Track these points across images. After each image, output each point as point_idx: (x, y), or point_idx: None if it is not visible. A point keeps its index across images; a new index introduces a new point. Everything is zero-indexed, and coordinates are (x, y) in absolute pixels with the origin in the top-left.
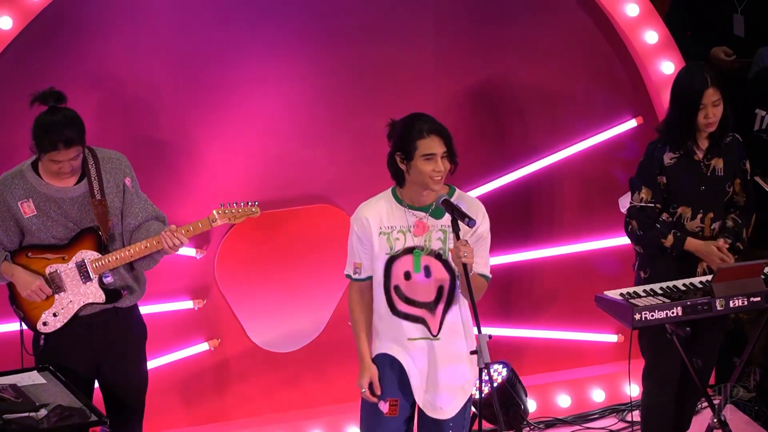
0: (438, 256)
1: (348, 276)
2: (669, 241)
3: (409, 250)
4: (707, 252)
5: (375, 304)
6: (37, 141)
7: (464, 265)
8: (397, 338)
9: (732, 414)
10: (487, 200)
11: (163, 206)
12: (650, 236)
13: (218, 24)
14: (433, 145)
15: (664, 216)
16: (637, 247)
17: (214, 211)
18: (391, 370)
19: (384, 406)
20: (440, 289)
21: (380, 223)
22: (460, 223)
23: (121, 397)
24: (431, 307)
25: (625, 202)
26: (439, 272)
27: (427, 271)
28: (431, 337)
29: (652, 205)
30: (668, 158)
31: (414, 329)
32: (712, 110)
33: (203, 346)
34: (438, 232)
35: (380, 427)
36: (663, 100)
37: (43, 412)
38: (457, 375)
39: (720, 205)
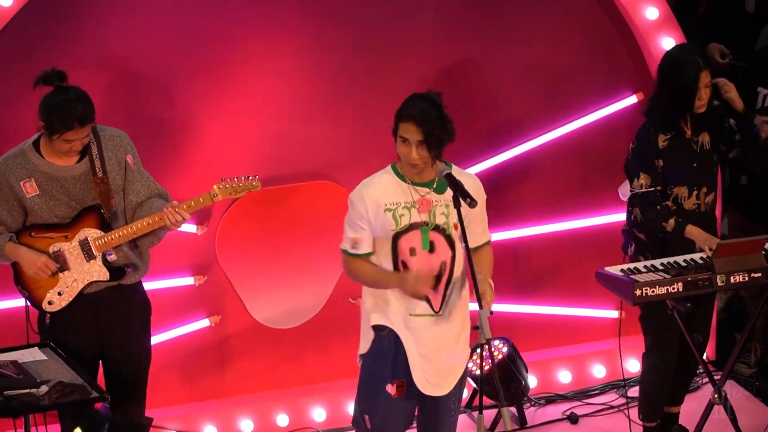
0: (442, 231)
1: (344, 251)
2: (670, 225)
3: (415, 226)
4: (705, 240)
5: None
6: (48, 122)
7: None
8: (401, 314)
9: (733, 390)
10: (486, 176)
11: (164, 183)
12: (650, 219)
13: (218, 1)
14: (408, 130)
15: (669, 203)
16: (640, 234)
17: (215, 186)
18: (396, 350)
19: (392, 389)
20: (443, 265)
21: (385, 199)
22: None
23: (123, 374)
24: (435, 283)
25: (625, 190)
26: (443, 248)
27: (432, 247)
28: (433, 313)
29: (653, 189)
30: (662, 141)
31: (417, 305)
32: (704, 92)
33: (204, 323)
34: (441, 207)
35: (391, 410)
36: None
37: (44, 388)
38: (455, 352)
39: (711, 178)
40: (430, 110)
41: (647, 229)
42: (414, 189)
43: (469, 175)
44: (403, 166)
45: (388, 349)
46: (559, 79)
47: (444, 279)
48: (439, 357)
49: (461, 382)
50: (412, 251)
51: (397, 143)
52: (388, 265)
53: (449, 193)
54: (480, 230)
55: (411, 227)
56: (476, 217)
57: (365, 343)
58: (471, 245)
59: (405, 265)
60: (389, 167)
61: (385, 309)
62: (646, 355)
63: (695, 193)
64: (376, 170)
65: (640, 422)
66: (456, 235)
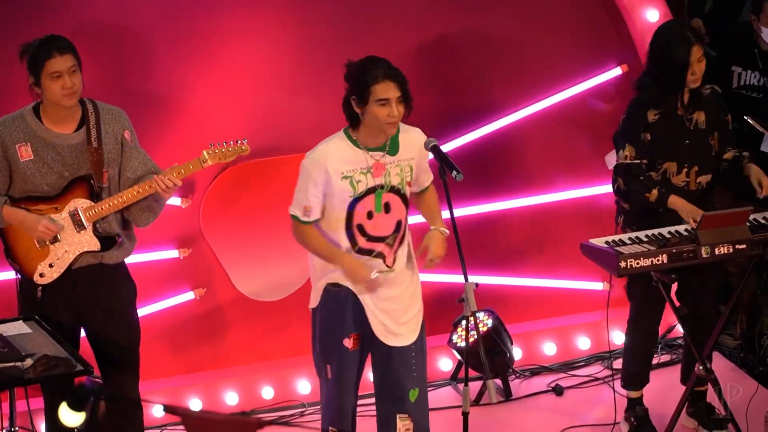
0: (397, 191)
1: (294, 216)
2: (653, 195)
3: (371, 190)
4: (688, 213)
5: (339, 246)
6: (32, 61)
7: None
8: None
9: (718, 362)
10: (471, 148)
11: (153, 155)
12: (634, 190)
13: None
14: (387, 89)
15: (653, 174)
16: (624, 204)
17: (205, 152)
18: (352, 305)
19: (349, 342)
20: (398, 223)
21: (341, 167)
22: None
23: (111, 352)
24: (390, 241)
25: (611, 159)
26: (398, 206)
27: (387, 208)
28: (387, 269)
29: (638, 162)
30: (652, 115)
31: (373, 263)
32: (697, 66)
33: (189, 295)
34: (395, 167)
35: (347, 363)
36: (647, 48)
37: (29, 361)
38: (411, 302)
39: (705, 159)
40: (394, 67)
41: (631, 199)
42: (368, 154)
43: (413, 129)
44: (361, 133)
45: (344, 305)
46: (543, 51)
47: (399, 235)
48: (397, 308)
49: (421, 338)
50: (369, 214)
51: (369, 108)
52: (341, 229)
53: (403, 152)
54: (426, 176)
55: (368, 192)
56: (422, 166)
57: (315, 298)
58: (418, 190)
59: (360, 228)
60: (341, 133)
61: (340, 271)
62: (629, 323)
63: (685, 170)
64: None
65: (625, 392)
66: (409, 191)
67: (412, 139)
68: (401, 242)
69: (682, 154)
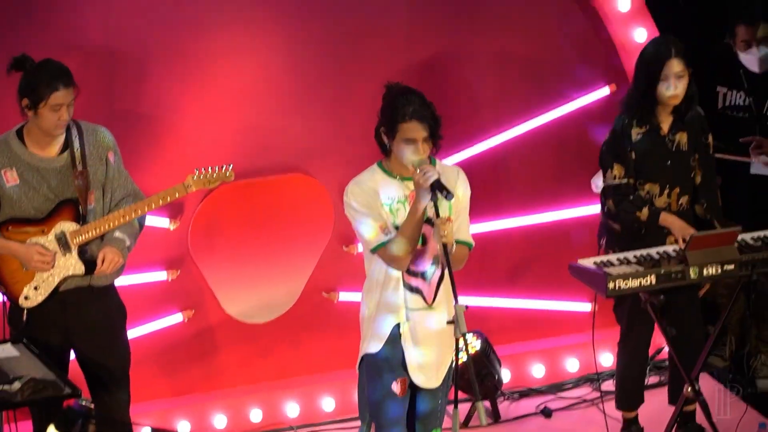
0: (433, 224)
1: (379, 245)
2: (644, 214)
3: None
4: (680, 230)
5: (381, 279)
6: (32, 90)
7: (444, 245)
8: (399, 310)
9: (707, 383)
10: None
11: (138, 175)
12: (624, 210)
13: None
14: (414, 130)
15: (643, 193)
16: (615, 225)
17: (189, 177)
18: (395, 349)
19: (397, 387)
20: (435, 258)
21: (380, 194)
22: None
23: (101, 375)
24: (427, 275)
25: (598, 182)
26: (434, 239)
27: (424, 239)
28: (426, 306)
29: (626, 181)
30: (635, 133)
31: (413, 300)
32: (674, 82)
33: (177, 317)
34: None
35: (396, 410)
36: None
37: (17, 384)
38: (444, 342)
39: (686, 180)
40: (426, 105)
41: (622, 220)
42: (404, 183)
43: (452, 168)
44: (393, 162)
45: (398, 347)
46: (531, 71)
47: (438, 271)
48: (432, 349)
49: (449, 376)
50: None
51: (395, 144)
52: (379, 260)
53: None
54: (461, 228)
55: None
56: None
57: (376, 343)
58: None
59: None
60: (375, 166)
61: (397, 304)
62: (620, 344)
63: (666, 191)
64: (349, 161)
65: (619, 412)
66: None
67: (448, 178)
68: (441, 278)
69: (664, 176)
